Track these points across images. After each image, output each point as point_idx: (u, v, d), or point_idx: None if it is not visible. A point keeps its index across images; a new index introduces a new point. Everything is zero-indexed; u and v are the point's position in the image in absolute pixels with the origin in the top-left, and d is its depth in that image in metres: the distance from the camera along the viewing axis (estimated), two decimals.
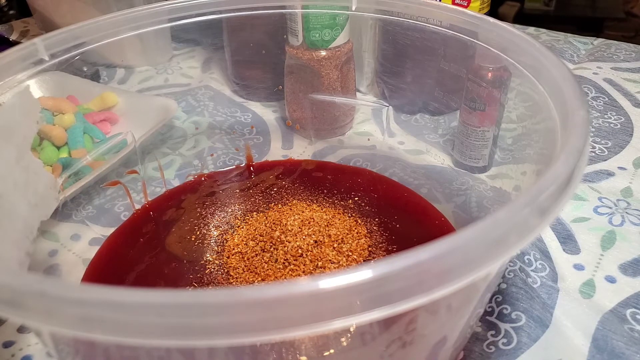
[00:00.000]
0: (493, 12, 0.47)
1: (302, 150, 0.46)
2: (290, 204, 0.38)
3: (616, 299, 0.30)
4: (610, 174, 0.40)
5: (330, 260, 0.32)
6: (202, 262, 0.33)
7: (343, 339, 0.22)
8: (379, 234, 0.35)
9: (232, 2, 0.37)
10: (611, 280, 0.32)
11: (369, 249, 0.33)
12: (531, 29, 0.67)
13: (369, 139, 0.46)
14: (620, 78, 0.53)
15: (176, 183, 0.42)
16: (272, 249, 0.33)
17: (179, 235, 0.36)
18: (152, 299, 0.14)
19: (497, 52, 0.29)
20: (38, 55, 0.30)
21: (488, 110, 0.38)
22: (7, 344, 0.30)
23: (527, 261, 0.33)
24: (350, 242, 0.33)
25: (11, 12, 0.80)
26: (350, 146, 0.46)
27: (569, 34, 0.64)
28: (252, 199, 0.39)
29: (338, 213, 0.37)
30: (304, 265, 0.32)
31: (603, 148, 0.43)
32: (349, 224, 0.35)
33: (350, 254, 0.33)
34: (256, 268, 0.32)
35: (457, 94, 0.42)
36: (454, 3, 0.45)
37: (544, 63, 0.25)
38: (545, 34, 0.65)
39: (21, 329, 0.30)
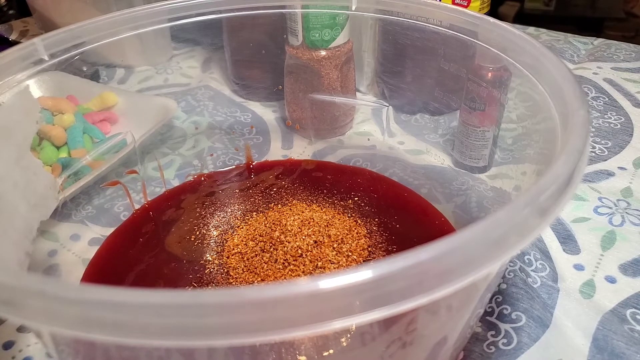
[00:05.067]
0: (493, 12, 0.47)
1: (302, 150, 0.46)
2: (290, 204, 0.38)
3: (616, 299, 0.30)
4: (610, 174, 0.40)
5: (330, 260, 0.32)
6: (202, 262, 0.33)
7: (343, 339, 0.22)
8: (379, 234, 0.35)
9: (232, 2, 0.37)
10: (611, 280, 0.32)
11: (369, 249, 0.33)
12: (531, 29, 0.67)
13: (369, 139, 0.46)
14: (620, 78, 0.53)
15: (176, 183, 0.42)
16: (271, 249, 0.33)
17: (179, 235, 0.36)
18: (152, 299, 0.13)
19: (497, 52, 0.29)
20: (38, 55, 0.30)
21: (488, 110, 0.38)
22: (7, 345, 0.30)
23: (527, 261, 0.33)
24: (350, 242, 0.33)
25: (11, 11, 0.80)
26: (350, 146, 0.46)
27: (569, 34, 0.64)
28: (251, 199, 0.39)
29: (338, 213, 0.37)
30: (304, 265, 0.32)
31: (603, 148, 0.43)
32: (348, 224, 0.35)
33: (350, 254, 0.33)
34: (256, 268, 0.32)
35: (457, 94, 0.42)
36: (454, 3, 0.45)
37: (544, 63, 0.25)
38: (545, 34, 0.65)
39: (21, 329, 0.30)
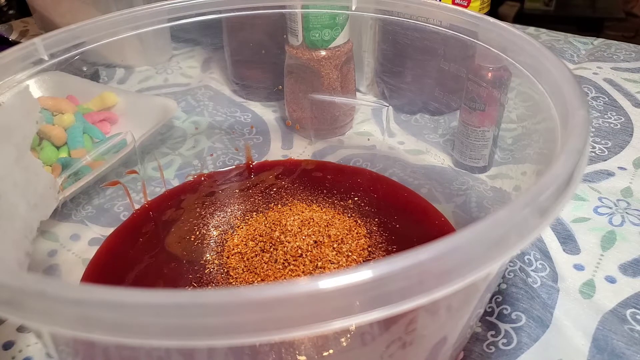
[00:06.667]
0: (493, 12, 0.47)
1: (302, 150, 0.46)
2: (290, 204, 0.38)
3: (616, 299, 0.30)
4: (610, 174, 0.40)
5: (329, 260, 0.32)
6: (202, 262, 0.33)
7: (343, 339, 0.22)
8: (379, 234, 0.35)
9: (232, 2, 0.37)
10: (611, 280, 0.32)
11: (369, 249, 0.33)
12: (531, 29, 0.67)
13: (369, 139, 0.46)
14: (620, 78, 0.53)
15: (176, 183, 0.42)
16: (271, 249, 0.33)
17: (179, 235, 0.36)
18: (152, 299, 0.13)
19: (497, 52, 0.29)
20: (37, 55, 0.30)
21: (488, 110, 0.38)
22: (7, 345, 0.30)
23: (527, 261, 0.33)
24: (349, 242, 0.33)
25: (11, 12, 0.80)
26: (350, 146, 0.46)
27: (569, 34, 0.64)
28: (251, 199, 0.39)
29: (338, 213, 0.37)
30: (304, 265, 0.32)
31: (603, 148, 0.43)
32: (348, 224, 0.35)
33: (349, 254, 0.33)
34: (256, 268, 0.32)
35: (457, 94, 0.42)
36: (454, 3, 0.45)
37: (544, 63, 0.25)
38: (545, 34, 0.65)
39: (21, 329, 0.30)
